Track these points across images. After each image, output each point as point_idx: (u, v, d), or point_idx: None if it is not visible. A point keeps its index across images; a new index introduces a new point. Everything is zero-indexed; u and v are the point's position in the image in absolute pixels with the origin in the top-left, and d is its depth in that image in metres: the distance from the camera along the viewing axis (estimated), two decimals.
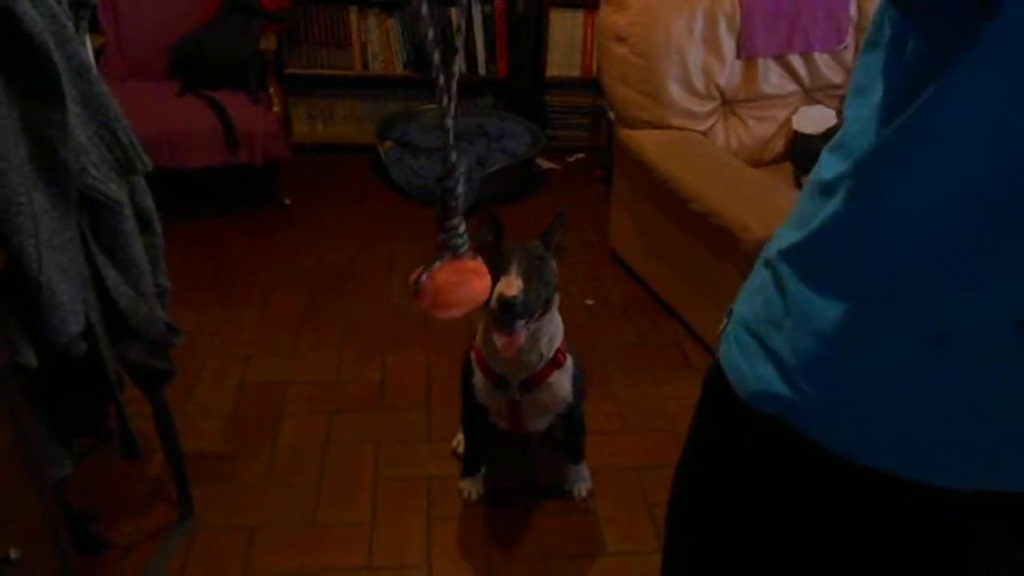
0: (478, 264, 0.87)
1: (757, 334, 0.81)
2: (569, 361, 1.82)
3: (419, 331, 2.67)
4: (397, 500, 2.03)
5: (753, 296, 0.84)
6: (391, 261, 3.08)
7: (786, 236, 0.79)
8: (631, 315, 2.79)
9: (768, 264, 0.82)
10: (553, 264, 1.70)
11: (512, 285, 1.53)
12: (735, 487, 0.90)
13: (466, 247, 0.85)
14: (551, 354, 1.76)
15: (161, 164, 3.01)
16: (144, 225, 1.57)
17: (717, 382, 0.88)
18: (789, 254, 0.77)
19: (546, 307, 1.68)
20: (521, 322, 1.58)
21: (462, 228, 0.85)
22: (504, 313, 1.55)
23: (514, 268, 1.57)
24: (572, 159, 3.87)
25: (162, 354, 1.68)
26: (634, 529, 1.97)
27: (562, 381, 1.81)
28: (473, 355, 1.85)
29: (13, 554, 1.21)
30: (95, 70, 1.37)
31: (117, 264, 1.48)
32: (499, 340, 1.60)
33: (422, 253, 3.12)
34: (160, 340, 1.63)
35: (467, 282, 0.86)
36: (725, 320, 0.90)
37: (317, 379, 2.44)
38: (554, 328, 1.77)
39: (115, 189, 1.41)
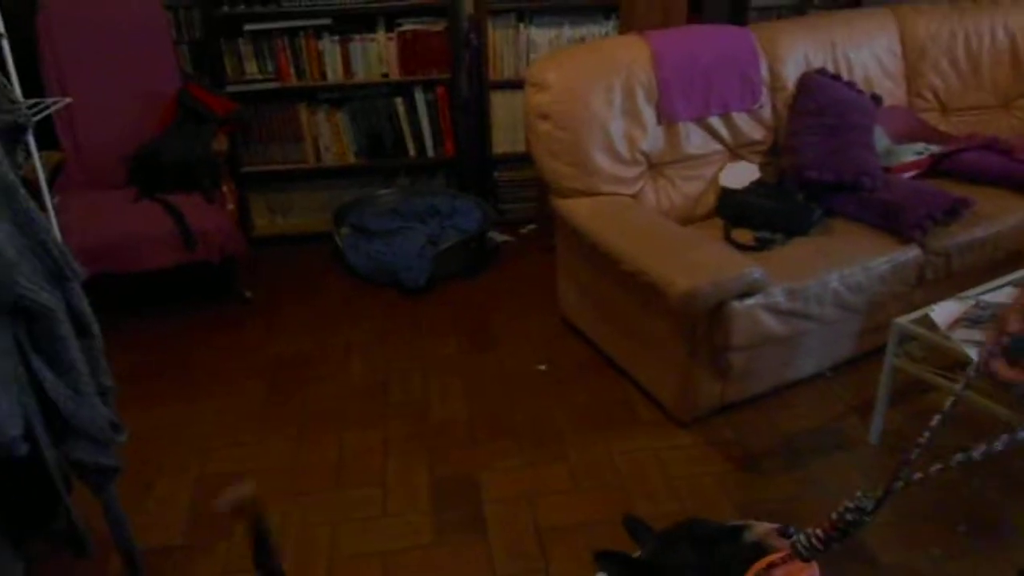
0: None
1: None
2: None
3: (377, 410, 2.74)
4: (356, 572, 2.07)
5: None
6: (349, 344, 3.16)
7: None
8: (582, 377, 2.87)
9: None
10: None
11: None
12: None
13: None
14: None
15: (121, 267, 3.14)
16: (81, 329, 1.66)
17: None
18: None
19: None
20: None
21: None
22: None
23: None
24: (524, 231, 4.01)
25: (107, 451, 1.75)
26: None
27: None
28: None
29: None
30: (23, 190, 1.48)
31: (55, 367, 1.57)
32: None
33: (378, 334, 3.23)
34: (103, 438, 1.70)
35: None
36: None
37: (275, 464, 2.49)
38: None
39: (47, 297, 1.51)
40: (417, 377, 2.92)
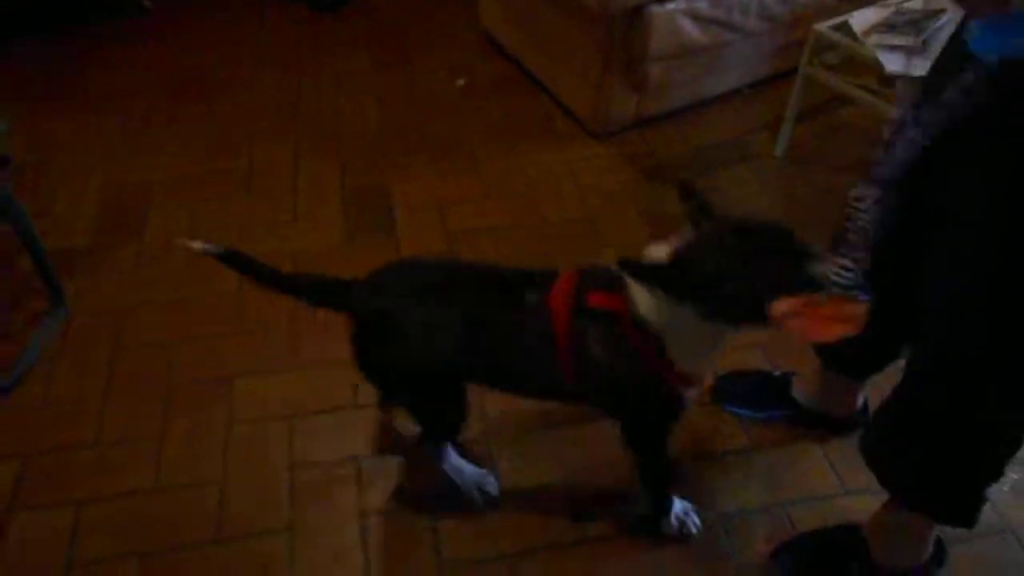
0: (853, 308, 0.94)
1: None
2: None
3: (287, 123, 2.67)
4: None
5: None
6: (258, 58, 3.00)
7: None
8: (501, 92, 2.80)
9: None
10: None
11: None
12: None
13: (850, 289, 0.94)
14: None
15: None
16: None
17: None
18: None
19: None
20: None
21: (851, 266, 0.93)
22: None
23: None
24: None
25: None
26: None
27: None
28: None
29: None
30: None
31: None
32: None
33: (289, 48, 3.07)
34: None
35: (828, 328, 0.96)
36: None
37: (183, 173, 2.45)
38: None
39: None
40: (329, 92, 2.82)
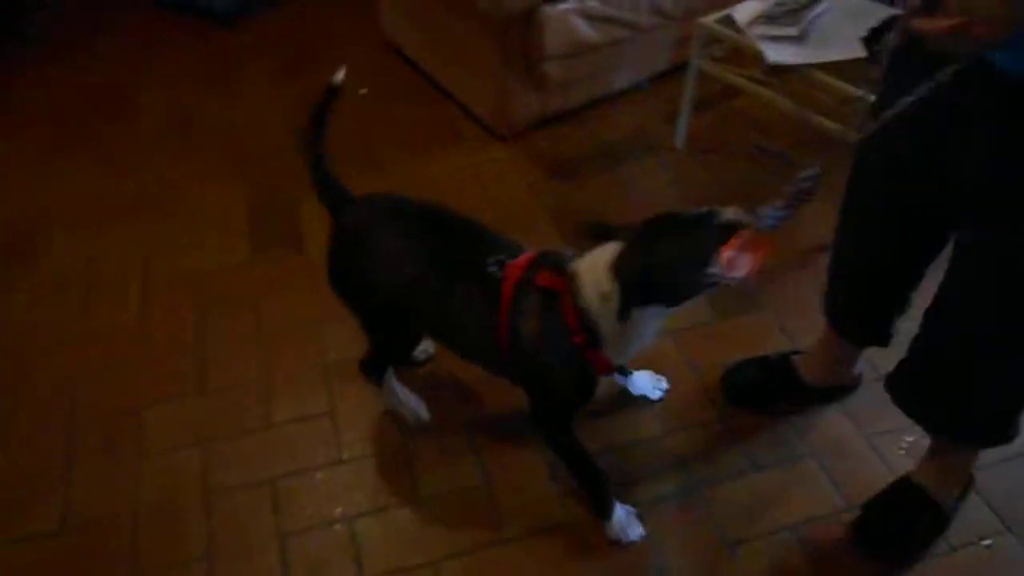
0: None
1: None
2: None
3: (190, 138, 2.62)
4: (171, 293, 2.08)
5: None
6: (161, 76, 2.95)
7: None
8: (406, 100, 2.80)
9: None
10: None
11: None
12: None
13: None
14: None
15: None
16: None
17: None
18: None
19: None
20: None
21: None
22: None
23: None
24: None
25: None
26: None
27: None
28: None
29: None
30: None
31: None
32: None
33: (188, 65, 3.01)
34: None
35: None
36: None
37: (81, 198, 2.38)
38: None
39: None
40: (232, 105, 2.78)
